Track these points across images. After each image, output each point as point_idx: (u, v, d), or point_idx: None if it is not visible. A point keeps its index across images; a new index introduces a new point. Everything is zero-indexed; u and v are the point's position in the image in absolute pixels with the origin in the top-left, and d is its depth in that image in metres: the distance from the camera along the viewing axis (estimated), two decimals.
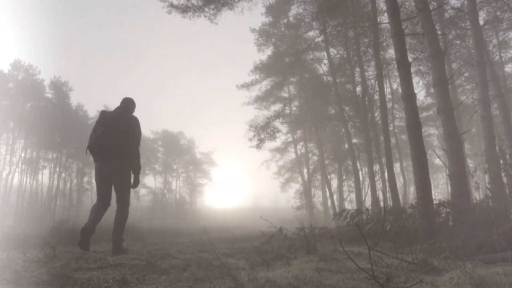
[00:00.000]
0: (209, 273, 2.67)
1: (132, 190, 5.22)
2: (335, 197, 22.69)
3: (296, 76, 22.54)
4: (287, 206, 31.00)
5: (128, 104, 4.34)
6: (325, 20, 16.51)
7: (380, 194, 15.65)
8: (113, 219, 4.16)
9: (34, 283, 2.20)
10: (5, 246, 5.30)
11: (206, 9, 13.22)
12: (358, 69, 16.88)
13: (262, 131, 20.62)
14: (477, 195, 9.39)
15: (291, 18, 20.99)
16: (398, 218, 5.19)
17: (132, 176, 4.27)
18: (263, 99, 24.68)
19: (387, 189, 14.00)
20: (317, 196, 26.98)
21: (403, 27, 5.86)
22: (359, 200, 15.73)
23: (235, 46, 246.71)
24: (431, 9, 6.33)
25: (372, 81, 16.76)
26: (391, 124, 21.72)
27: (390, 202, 13.80)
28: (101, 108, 39.93)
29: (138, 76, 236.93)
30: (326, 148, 24.07)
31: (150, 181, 42.90)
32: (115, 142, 4.03)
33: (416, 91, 5.26)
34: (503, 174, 7.86)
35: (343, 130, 18.36)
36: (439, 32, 11.74)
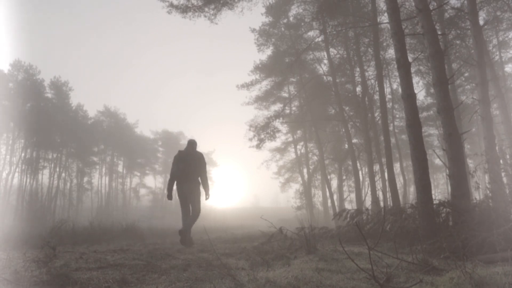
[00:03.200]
0: (209, 273, 2.67)
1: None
2: (335, 197, 22.69)
3: (296, 76, 22.51)
4: (287, 206, 30.98)
5: (193, 144, 6.28)
6: (325, 20, 16.50)
7: (380, 194, 15.66)
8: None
9: (34, 283, 2.20)
10: (5, 246, 5.29)
11: (206, 9, 13.22)
12: (358, 69, 16.89)
13: (262, 131, 20.56)
14: (477, 195, 9.38)
15: (291, 18, 20.95)
16: (398, 218, 5.18)
17: (204, 192, 6.12)
18: (263, 99, 24.66)
19: (387, 189, 14.01)
20: (317, 196, 26.94)
21: (403, 27, 5.85)
22: (359, 200, 15.74)
23: (235, 46, 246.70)
24: (431, 9, 6.32)
25: (372, 81, 16.76)
26: (391, 124, 21.72)
27: (390, 202, 13.80)
28: (101, 108, 40.40)
29: (139, 75, 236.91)
30: (326, 148, 24.05)
31: (150, 181, 42.84)
32: (189, 172, 5.96)
33: (416, 91, 5.24)
34: (503, 174, 7.86)
35: (343, 130, 18.36)
36: (439, 32, 11.72)
